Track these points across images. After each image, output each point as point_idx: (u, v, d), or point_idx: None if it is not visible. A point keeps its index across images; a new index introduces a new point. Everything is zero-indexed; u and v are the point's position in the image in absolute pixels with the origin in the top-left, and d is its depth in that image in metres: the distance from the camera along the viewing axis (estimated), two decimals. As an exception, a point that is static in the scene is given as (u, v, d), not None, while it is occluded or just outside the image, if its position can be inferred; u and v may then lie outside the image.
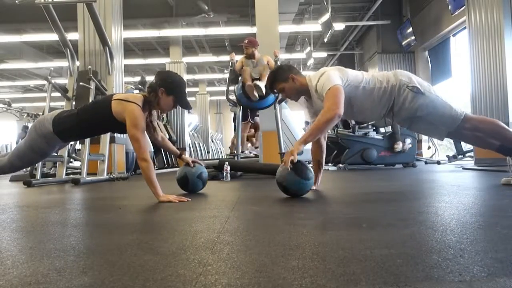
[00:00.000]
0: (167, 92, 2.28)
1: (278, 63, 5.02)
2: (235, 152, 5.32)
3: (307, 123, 9.60)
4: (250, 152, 6.86)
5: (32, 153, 2.37)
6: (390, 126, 6.36)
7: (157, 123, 2.61)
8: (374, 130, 6.44)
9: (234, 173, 4.39)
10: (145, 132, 2.32)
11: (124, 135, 5.70)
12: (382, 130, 6.54)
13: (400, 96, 2.38)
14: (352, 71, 2.44)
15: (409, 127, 2.59)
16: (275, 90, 2.61)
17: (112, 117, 2.24)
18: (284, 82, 2.48)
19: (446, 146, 10.94)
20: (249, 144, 7.50)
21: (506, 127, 2.45)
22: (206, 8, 9.26)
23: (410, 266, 0.81)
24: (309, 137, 2.24)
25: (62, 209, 2.17)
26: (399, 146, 6.19)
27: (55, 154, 6.17)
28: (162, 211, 1.90)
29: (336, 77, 2.31)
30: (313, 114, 2.62)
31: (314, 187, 2.60)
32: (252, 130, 7.13)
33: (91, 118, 2.32)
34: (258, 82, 4.80)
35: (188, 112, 2.70)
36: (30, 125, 11.03)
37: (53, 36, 7.01)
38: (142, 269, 0.86)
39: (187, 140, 10.47)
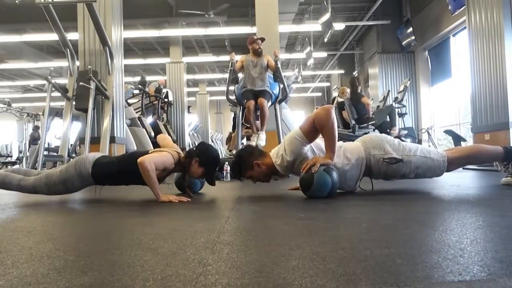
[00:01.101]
0: (200, 163, 2.44)
1: (278, 63, 5.02)
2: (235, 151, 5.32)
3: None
4: None
5: (62, 187, 2.43)
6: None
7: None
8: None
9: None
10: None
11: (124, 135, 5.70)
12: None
13: (378, 168, 2.32)
14: (318, 145, 2.35)
15: (398, 178, 2.50)
16: (245, 178, 2.52)
17: None
18: (250, 170, 2.42)
19: (446, 146, 10.93)
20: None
21: (481, 150, 2.45)
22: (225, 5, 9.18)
23: (410, 266, 0.81)
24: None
25: (62, 209, 2.17)
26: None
27: (55, 154, 6.17)
28: (162, 211, 1.90)
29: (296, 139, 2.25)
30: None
31: None
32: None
33: (129, 167, 2.37)
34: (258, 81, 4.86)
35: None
36: (39, 124, 11.00)
37: (53, 36, 7.01)
38: (142, 269, 0.86)
39: (187, 140, 10.47)
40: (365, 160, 2.31)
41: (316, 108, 2.87)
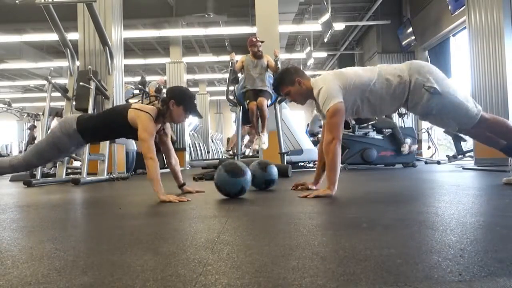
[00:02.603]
0: (177, 103, 2.47)
1: (278, 63, 5.02)
2: (235, 151, 5.32)
3: (307, 125, 9.58)
4: (250, 152, 6.86)
5: (54, 150, 2.56)
6: (389, 128, 6.39)
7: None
8: (374, 130, 6.44)
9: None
10: (154, 140, 2.44)
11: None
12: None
13: (415, 94, 2.29)
14: (355, 73, 2.34)
15: (423, 119, 2.55)
16: (281, 93, 2.56)
17: (127, 123, 2.46)
18: (291, 86, 2.44)
19: (446, 146, 10.93)
20: (248, 139, 7.47)
21: (510, 125, 2.42)
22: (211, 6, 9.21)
23: (410, 266, 0.81)
24: (334, 177, 2.22)
25: (62, 209, 2.17)
26: (405, 148, 6.22)
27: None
28: (162, 211, 1.90)
29: (336, 91, 2.26)
30: (323, 116, 2.57)
31: (315, 187, 2.61)
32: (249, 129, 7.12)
33: (108, 121, 2.55)
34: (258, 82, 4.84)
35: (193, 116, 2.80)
36: (38, 123, 11.03)
37: (53, 36, 7.01)
38: (142, 269, 0.86)
39: (187, 140, 10.47)
40: (408, 83, 2.28)
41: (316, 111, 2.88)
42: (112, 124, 2.55)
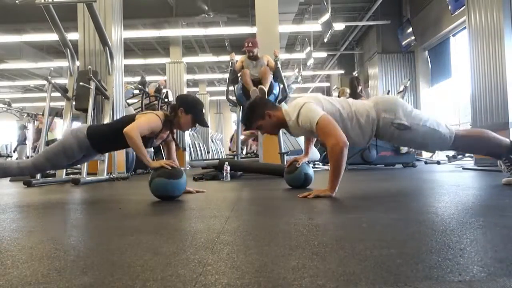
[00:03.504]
0: (186, 111, 2.50)
1: (278, 63, 5.01)
2: (235, 151, 5.32)
3: None
4: (251, 153, 6.86)
5: (62, 156, 2.55)
6: None
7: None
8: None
9: (234, 173, 4.39)
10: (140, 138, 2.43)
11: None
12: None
13: (385, 132, 2.31)
14: (328, 101, 2.34)
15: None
16: (252, 128, 2.56)
17: None
18: (261, 119, 2.44)
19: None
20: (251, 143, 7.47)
21: (490, 135, 2.41)
22: (206, 8, 9.26)
23: (410, 266, 0.81)
24: (336, 181, 2.20)
25: (62, 209, 2.17)
26: (404, 148, 6.22)
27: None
28: (162, 211, 1.90)
29: (316, 107, 2.25)
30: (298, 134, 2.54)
31: (305, 159, 2.73)
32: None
33: (117, 128, 2.50)
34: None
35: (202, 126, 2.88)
36: (29, 125, 11.07)
37: (53, 36, 7.00)
38: (142, 269, 0.86)
39: (187, 140, 10.47)
40: (375, 121, 2.29)
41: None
42: (118, 130, 2.49)
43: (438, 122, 2.32)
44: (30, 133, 11.37)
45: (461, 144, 2.41)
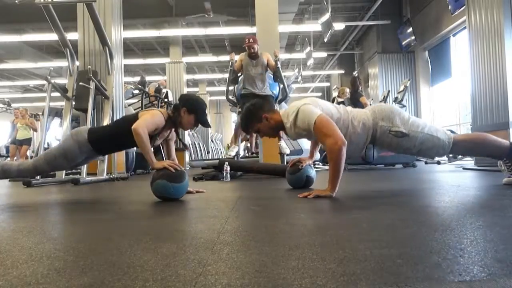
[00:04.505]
0: (189, 111, 2.51)
1: (278, 62, 4.99)
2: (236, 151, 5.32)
3: None
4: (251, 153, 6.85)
5: (63, 159, 2.51)
6: None
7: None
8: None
9: (234, 173, 4.39)
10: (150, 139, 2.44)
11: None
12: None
13: (383, 140, 2.32)
14: (325, 105, 2.34)
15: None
16: (250, 131, 2.58)
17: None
18: (258, 123, 2.45)
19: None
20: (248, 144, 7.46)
21: (488, 139, 2.41)
22: (206, 8, 9.26)
23: (410, 266, 0.81)
24: (336, 180, 2.18)
25: (62, 209, 2.17)
26: None
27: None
28: (162, 211, 1.90)
29: (313, 108, 2.25)
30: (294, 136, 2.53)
31: (309, 161, 2.74)
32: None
33: (120, 128, 2.51)
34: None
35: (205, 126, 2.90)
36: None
37: (53, 36, 7.01)
38: (142, 269, 0.86)
39: (187, 140, 10.47)
40: (372, 130, 2.30)
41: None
42: (123, 132, 2.47)
43: (436, 129, 2.33)
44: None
45: (460, 149, 2.41)
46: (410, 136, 2.26)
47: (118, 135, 2.50)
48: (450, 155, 2.63)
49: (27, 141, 9.37)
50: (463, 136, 2.46)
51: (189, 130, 2.81)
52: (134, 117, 2.47)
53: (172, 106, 2.58)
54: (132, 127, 2.31)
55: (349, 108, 2.42)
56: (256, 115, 2.44)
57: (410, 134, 2.26)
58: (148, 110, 2.52)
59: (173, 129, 2.67)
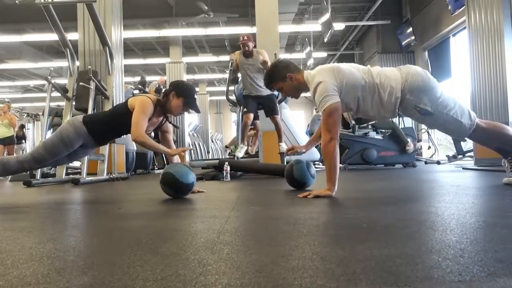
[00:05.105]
0: (177, 94, 2.54)
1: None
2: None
3: (307, 125, 9.58)
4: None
5: (61, 144, 2.52)
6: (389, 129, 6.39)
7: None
8: (374, 130, 6.44)
9: (234, 173, 4.39)
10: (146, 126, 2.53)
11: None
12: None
13: (406, 111, 2.31)
14: (350, 72, 2.28)
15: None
16: (273, 89, 2.56)
17: (128, 111, 2.47)
18: (282, 82, 2.42)
19: (446, 146, 10.93)
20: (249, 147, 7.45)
21: (508, 131, 2.41)
22: (206, 8, 9.27)
23: (410, 266, 0.81)
24: (334, 177, 2.19)
25: (62, 209, 2.17)
26: (410, 147, 6.21)
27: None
28: (162, 211, 1.90)
29: (332, 90, 2.21)
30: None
31: (304, 150, 2.74)
32: (252, 132, 7.06)
33: (112, 113, 2.63)
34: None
35: (189, 112, 2.84)
36: (29, 125, 11.02)
37: (53, 36, 7.01)
38: (142, 269, 0.86)
39: (187, 140, 10.47)
40: (399, 100, 2.25)
41: (316, 110, 2.88)
42: (115, 117, 2.57)
43: (462, 112, 2.28)
44: (29, 133, 11.35)
45: (478, 136, 2.41)
46: (434, 116, 2.24)
47: (111, 119, 2.58)
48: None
49: (10, 140, 8.84)
50: (486, 124, 2.42)
51: (178, 115, 2.88)
52: (124, 106, 2.53)
53: (163, 93, 2.63)
54: (132, 139, 2.43)
55: (377, 71, 2.31)
56: (281, 73, 2.41)
57: (434, 113, 2.23)
58: (137, 97, 2.55)
59: (167, 122, 2.71)
